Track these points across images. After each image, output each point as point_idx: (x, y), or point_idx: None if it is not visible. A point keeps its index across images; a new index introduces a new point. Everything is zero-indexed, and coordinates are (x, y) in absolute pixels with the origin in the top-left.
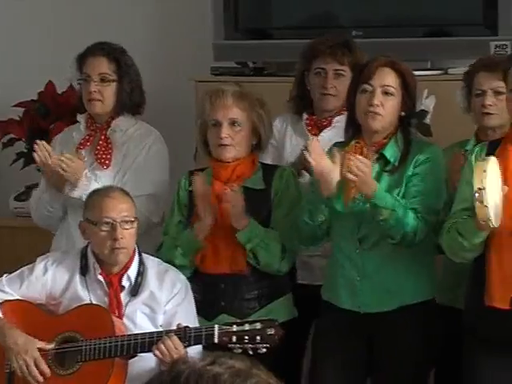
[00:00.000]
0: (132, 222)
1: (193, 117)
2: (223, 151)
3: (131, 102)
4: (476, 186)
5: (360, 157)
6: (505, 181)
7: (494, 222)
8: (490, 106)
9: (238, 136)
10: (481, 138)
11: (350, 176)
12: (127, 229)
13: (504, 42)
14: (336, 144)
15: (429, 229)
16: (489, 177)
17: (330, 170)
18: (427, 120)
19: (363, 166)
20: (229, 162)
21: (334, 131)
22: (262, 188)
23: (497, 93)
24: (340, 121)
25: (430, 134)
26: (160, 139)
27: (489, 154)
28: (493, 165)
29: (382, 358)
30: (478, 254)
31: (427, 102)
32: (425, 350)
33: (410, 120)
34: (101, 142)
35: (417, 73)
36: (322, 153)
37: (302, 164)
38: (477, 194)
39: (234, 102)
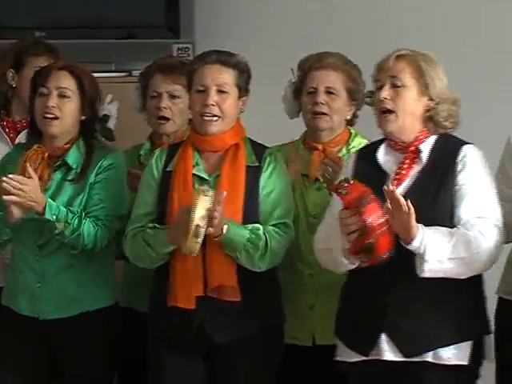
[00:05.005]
0: None
1: None
2: None
3: None
4: (195, 221)
5: (17, 176)
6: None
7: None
8: (165, 108)
9: None
10: (155, 142)
11: (8, 197)
12: None
13: (186, 45)
14: (18, 145)
15: (111, 235)
16: (204, 213)
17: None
18: (110, 125)
19: (23, 185)
20: None
21: None
22: None
23: (172, 96)
24: None
25: (112, 138)
26: None
27: (169, 157)
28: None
29: (65, 364)
30: (164, 261)
31: (110, 107)
32: (106, 355)
33: (92, 125)
34: None
35: (101, 75)
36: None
37: None
38: (193, 228)
39: None
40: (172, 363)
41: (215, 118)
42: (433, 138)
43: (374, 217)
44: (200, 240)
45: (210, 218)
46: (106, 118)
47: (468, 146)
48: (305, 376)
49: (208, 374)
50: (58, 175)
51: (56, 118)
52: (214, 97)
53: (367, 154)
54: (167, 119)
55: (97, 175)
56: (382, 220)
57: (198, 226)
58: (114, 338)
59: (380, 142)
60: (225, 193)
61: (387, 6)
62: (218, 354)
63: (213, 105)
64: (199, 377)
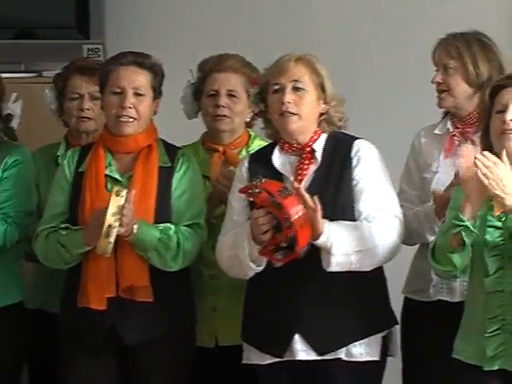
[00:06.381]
0: None
1: None
2: None
3: None
4: (108, 221)
5: None
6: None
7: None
8: (88, 110)
9: None
10: (71, 142)
11: None
12: None
13: (96, 46)
14: None
15: (21, 232)
16: (116, 212)
17: None
18: (13, 124)
19: None
20: None
21: None
22: None
23: (93, 98)
24: None
25: (14, 138)
26: None
27: (81, 158)
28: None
29: None
30: (77, 262)
31: (14, 107)
32: (15, 351)
33: None
34: None
35: (10, 75)
36: None
37: None
38: (106, 229)
39: None
40: (83, 363)
41: (131, 120)
42: (324, 137)
43: (295, 209)
44: (112, 240)
45: (121, 216)
46: (10, 117)
47: (359, 140)
48: (209, 377)
49: (120, 374)
50: None
51: None
52: (130, 99)
53: (260, 159)
54: (89, 118)
55: (3, 171)
56: (301, 212)
57: (110, 226)
58: (21, 334)
59: (271, 146)
60: (134, 191)
61: (297, 7)
62: (130, 354)
63: (130, 107)
64: (110, 377)
